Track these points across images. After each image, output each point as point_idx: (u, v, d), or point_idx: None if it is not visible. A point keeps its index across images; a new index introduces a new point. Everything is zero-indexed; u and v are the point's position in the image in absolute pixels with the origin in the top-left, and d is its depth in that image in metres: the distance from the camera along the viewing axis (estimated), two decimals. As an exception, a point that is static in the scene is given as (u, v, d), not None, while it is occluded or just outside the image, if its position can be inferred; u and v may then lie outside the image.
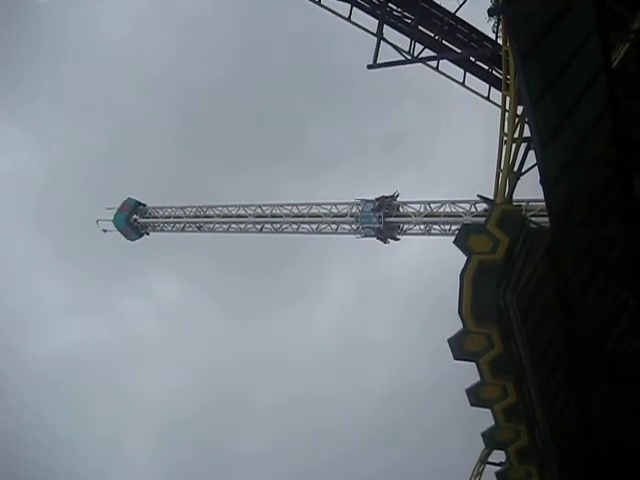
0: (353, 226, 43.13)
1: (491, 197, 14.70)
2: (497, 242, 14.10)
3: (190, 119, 68.64)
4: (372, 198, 43.10)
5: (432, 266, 52.44)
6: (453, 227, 39.06)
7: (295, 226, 44.97)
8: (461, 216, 38.22)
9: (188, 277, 68.93)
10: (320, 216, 43.93)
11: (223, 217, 48.50)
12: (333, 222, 43.84)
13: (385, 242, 43.23)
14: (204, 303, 68.35)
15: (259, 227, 46.94)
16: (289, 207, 45.25)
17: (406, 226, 42.21)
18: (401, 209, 41.86)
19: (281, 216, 45.42)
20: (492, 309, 14.04)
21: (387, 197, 43.13)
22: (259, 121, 66.28)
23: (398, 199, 42.91)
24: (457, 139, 60.39)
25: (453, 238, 14.30)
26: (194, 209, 50.06)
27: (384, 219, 42.26)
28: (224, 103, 67.75)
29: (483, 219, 14.62)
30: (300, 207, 45.30)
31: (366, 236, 42.21)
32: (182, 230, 51.01)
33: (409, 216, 41.09)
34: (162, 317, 70.81)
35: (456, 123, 59.11)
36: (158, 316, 70.77)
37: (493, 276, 14.05)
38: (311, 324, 66.75)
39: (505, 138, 14.84)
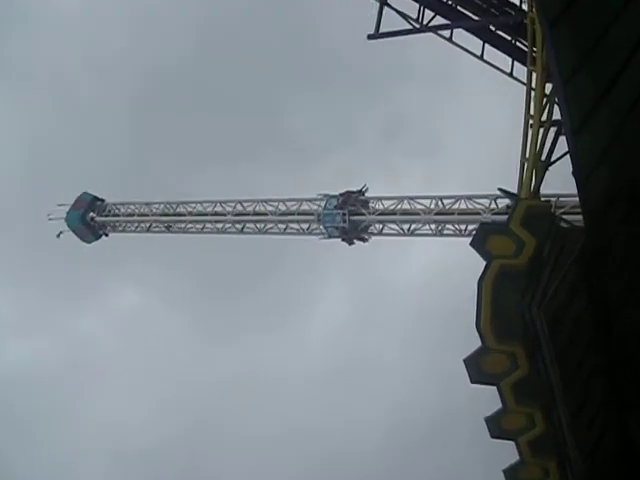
0: (318, 225, 43.27)
1: (514, 191, 14.67)
2: (521, 244, 14.24)
3: (149, 105, 68.59)
4: (335, 193, 43.34)
5: (445, 273, 52.49)
6: (470, 227, 39.04)
7: (282, 226, 44.93)
8: (479, 213, 38.14)
9: (153, 287, 68.78)
10: (312, 214, 43.89)
11: (197, 215, 48.29)
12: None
13: (350, 244, 43.48)
14: (172, 318, 68.20)
15: (240, 227, 46.80)
16: (275, 203, 45.20)
17: (414, 225, 42.09)
18: (371, 205, 42.85)
19: (266, 214, 45.31)
20: (516, 323, 14.19)
21: (353, 192, 43.49)
22: (230, 107, 66.22)
23: (367, 194, 43.13)
24: (473, 124, 60.31)
25: (469, 240, 14.31)
26: (162, 206, 49.86)
27: (349, 217, 42.51)
28: (188, 87, 67.93)
29: (505, 217, 14.75)
30: (289, 203, 45.29)
31: (330, 237, 42.15)
32: (148, 230, 50.82)
33: (390, 214, 41.18)
34: (121, 333, 70.59)
35: (471, 105, 59.04)
36: (116, 332, 70.58)
37: (517, 284, 14.22)
38: (302, 342, 66.59)
39: (531, 122, 14.91)
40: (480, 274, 14.20)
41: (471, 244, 14.43)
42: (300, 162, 66.58)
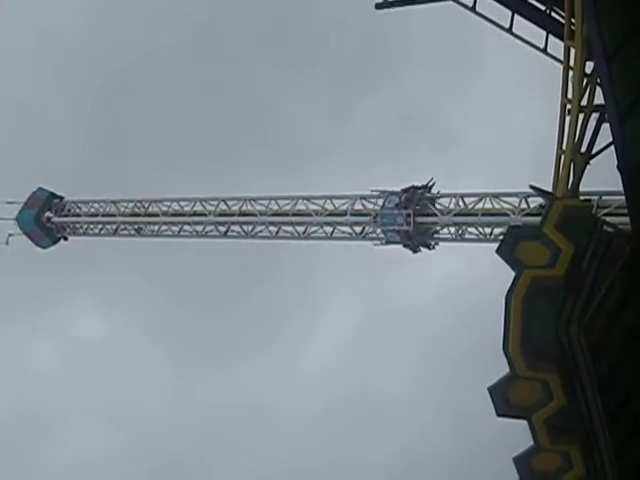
0: (373, 229, 42.02)
1: (549, 188, 14.62)
2: (557, 252, 14.25)
3: (117, 98, 68.36)
4: (396, 189, 42.00)
5: (468, 286, 52.27)
6: (496, 231, 38.77)
7: (274, 228, 44.53)
8: (507, 214, 37.75)
9: (119, 305, 68.36)
10: (310, 214, 43.42)
11: (172, 216, 47.97)
12: (327, 223, 43.11)
13: (415, 251, 41.21)
14: (144, 346, 67.68)
15: (223, 230, 46.55)
16: (265, 202, 44.81)
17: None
18: (437, 205, 40.70)
19: (254, 214, 44.92)
20: (550, 345, 14.19)
21: (418, 187, 41.96)
22: (210, 100, 65.95)
23: (433, 190, 41.92)
24: (498, 111, 60.19)
25: (496, 246, 14.27)
26: (131, 204, 49.52)
27: (414, 219, 40.84)
28: (160, 79, 67.56)
29: (538, 219, 14.90)
30: (281, 202, 44.87)
31: (389, 242, 41.17)
32: (114, 233, 50.58)
33: (469, 214, 39.51)
34: (82, 364, 69.83)
35: (496, 88, 58.91)
36: (77, 363, 69.80)
37: (552, 299, 14.26)
38: (297, 367, 66.26)
39: (569, 106, 14.84)
40: (509, 287, 14.22)
41: (498, 252, 14.46)
42: (295, 160, 65.91)
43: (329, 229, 43.00)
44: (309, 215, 43.33)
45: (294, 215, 43.71)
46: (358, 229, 42.54)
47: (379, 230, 41.71)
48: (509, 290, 14.16)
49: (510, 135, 56.77)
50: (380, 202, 41.60)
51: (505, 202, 38.33)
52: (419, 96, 64.55)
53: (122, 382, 65.58)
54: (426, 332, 57.67)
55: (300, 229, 44.28)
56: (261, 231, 45.26)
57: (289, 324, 66.51)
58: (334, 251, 47.72)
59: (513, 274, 14.20)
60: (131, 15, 66.99)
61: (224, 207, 46.19)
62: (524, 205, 37.17)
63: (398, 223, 40.68)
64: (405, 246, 41.53)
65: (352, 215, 41.65)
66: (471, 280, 48.60)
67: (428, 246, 41.52)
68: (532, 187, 16.81)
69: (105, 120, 67.25)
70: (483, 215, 39.39)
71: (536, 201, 34.88)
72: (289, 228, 44.72)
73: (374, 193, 42.27)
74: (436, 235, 41.31)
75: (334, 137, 67.69)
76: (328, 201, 43.23)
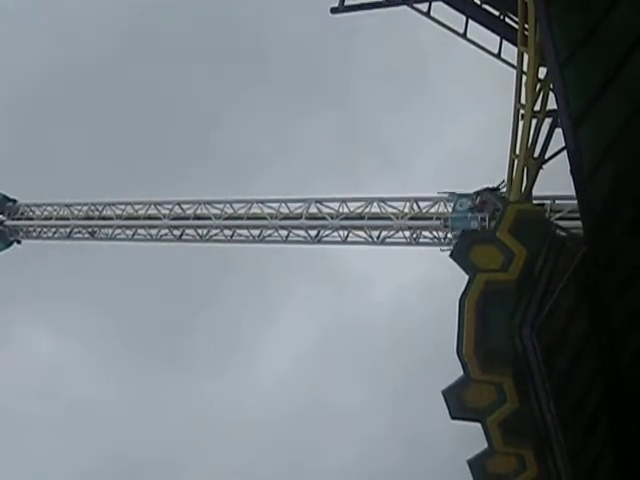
0: (445, 234, 39.90)
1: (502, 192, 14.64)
2: (511, 255, 14.22)
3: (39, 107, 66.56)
4: (468, 191, 39.97)
5: (430, 292, 51.60)
6: (450, 234, 38.56)
7: (228, 232, 44.04)
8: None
9: (66, 320, 66.28)
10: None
11: (126, 219, 47.70)
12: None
13: None
14: (86, 358, 65.63)
15: (177, 233, 46.22)
16: (220, 206, 44.31)
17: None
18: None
19: (209, 217, 44.53)
20: (504, 348, 14.18)
21: (493, 189, 39.96)
22: (146, 114, 64.52)
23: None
24: (450, 117, 59.67)
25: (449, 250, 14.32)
26: (85, 207, 49.11)
27: (489, 223, 39.00)
28: (90, 90, 66.31)
29: (492, 224, 14.73)
30: (236, 206, 44.33)
31: None
32: (68, 237, 50.04)
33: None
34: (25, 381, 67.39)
35: (449, 94, 58.42)
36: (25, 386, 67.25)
37: (505, 303, 14.23)
38: (250, 382, 64.88)
39: (522, 111, 14.86)
40: (462, 291, 14.18)
41: (452, 256, 14.51)
42: (233, 176, 63.66)
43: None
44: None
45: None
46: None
47: (450, 235, 39.37)
48: (463, 293, 14.12)
49: (465, 141, 56.23)
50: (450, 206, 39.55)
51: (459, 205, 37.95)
52: (365, 105, 63.41)
53: (65, 400, 63.49)
54: (384, 342, 57.19)
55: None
56: (217, 235, 44.66)
57: (244, 335, 65.46)
58: (289, 258, 46.92)
59: (467, 278, 14.17)
60: (66, 19, 65.54)
61: (179, 210, 45.67)
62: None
63: (472, 228, 38.75)
64: None
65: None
66: (435, 285, 47.94)
67: None
68: (487, 189, 16.89)
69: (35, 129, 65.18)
70: (438, 219, 38.93)
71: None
72: (244, 232, 43.98)
73: (443, 195, 39.97)
74: None
75: (274, 150, 66.01)
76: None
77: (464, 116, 55.29)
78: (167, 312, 61.06)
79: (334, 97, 61.17)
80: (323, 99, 60.90)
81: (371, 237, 40.37)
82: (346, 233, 40.26)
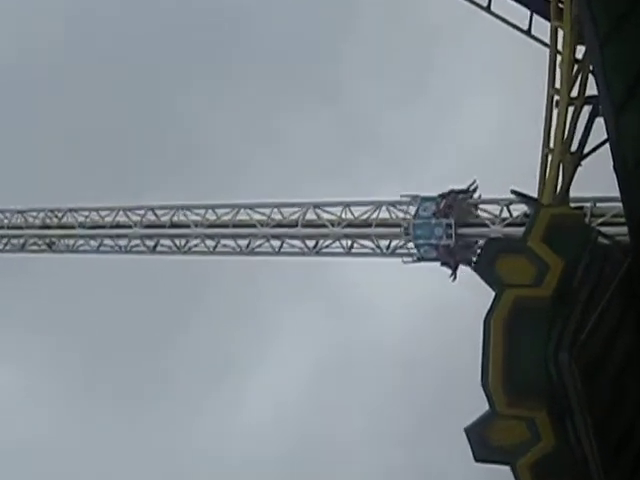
0: (404, 242, 36.83)
1: (534, 194, 13.12)
2: (544, 268, 12.91)
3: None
4: (431, 194, 36.55)
5: (441, 312, 48.89)
6: (411, 243, 36.05)
7: (211, 242, 40.08)
8: (486, 225, 34.83)
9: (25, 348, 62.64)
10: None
11: (90, 228, 44.53)
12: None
13: (454, 270, 35.50)
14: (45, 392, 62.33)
15: (151, 244, 42.57)
16: (201, 212, 40.83)
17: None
18: (479, 212, 35.43)
19: (187, 225, 40.86)
20: (537, 377, 12.86)
21: (458, 192, 36.75)
22: (123, 114, 62.63)
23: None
24: (469, 103, 56.84)
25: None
26: (42, 214, 46.10)
27: (455, 230, 35.99)
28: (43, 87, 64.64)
29: (521, 230, 14.05)
30: (219, 212, 40.52)
31: (422, 259, 35.79)
32: (22, 249, 47.31)
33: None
34: None
35: (469, 76, 55.71)
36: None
37: (539, 323, 12.88)
38: (237, 414, 61.00)
39: (557, 97, 13.66)
40: (488, 309, 12.85)
41: (475, 268, 13.93)
42: (217, 179, 59.87)
43: (345, 243, 38.10)
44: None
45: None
46: (384, 243, 37.39)
47: (410, 244, 36.62)
48: (488, 313, 12.85)
49: (486, 134, 53.42)
50: (412, 210, 36.46)
51: (485, 211, 35.06)
52: (364, 100, 60.51)
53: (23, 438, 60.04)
54: (390, 372, 54.01)
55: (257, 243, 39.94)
56: (197, 246, 41.32)
57: (228, 366, 60.96)
58: (279, 272, 43.93)
59: (493, 294, 12.90)
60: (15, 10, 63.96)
61: (152, 217, 41.81)
62: (506, 214, 33.89)
63: (436, 235, 35.93)
64: (444, 264, 35.86)
65: (377, 226, 36.66)
66: (446, 304, 45.09)
67: (470, 263, 34.42)
68: (514, 192, 15.47)
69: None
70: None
71: (519, 209, 31.96)
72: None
73: (404, 199, 37.25)
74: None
75: (248, 143, 62.98)
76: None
77: (478, 105, 52.98)
78: (141, 336, 57.84)
79: (329, 92, 59.22)
80: (317, 94, 59.04)
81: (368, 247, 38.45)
82: (350, 243, 37.80)
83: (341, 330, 56.88)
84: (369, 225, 36.92)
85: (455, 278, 35.38)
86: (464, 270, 34.19)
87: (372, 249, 37.09)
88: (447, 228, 34.00)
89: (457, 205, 34.31)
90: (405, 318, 52.33)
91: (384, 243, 37.07)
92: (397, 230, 36.08)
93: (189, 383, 58.32)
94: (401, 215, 36.45)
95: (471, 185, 35.00)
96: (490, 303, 12.91)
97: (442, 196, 34.90)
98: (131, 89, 61.62)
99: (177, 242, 40.32)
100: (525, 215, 28.02)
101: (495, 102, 50.52)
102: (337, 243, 37.47)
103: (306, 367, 57.30)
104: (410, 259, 36.46)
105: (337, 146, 57.69)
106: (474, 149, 50.98)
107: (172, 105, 61.85)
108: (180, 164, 60.22)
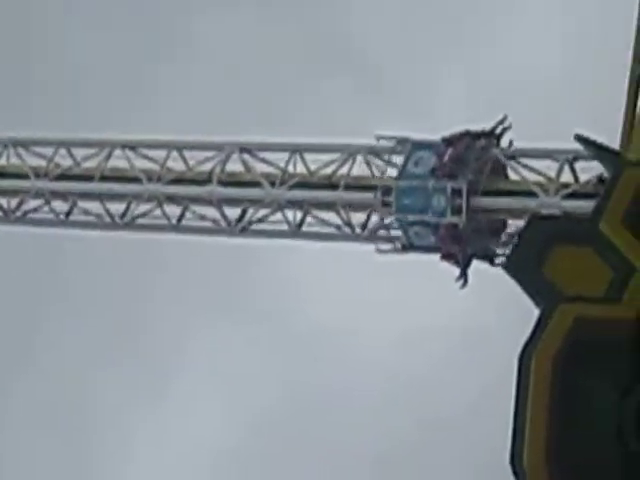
0: (381, 219, 19.10)
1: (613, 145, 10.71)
2: (627, 269, 9.23)
3: None
4: (433, 137, 19.00)
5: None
6: (389, 219, 17.21)
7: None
8: (525, 194, 17.63)
9: None
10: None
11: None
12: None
13: (463, 269, 21.11)
14: None
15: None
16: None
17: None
18: (513, 172, 21.29)
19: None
20: (606, 454, 9.12)
21: (476, 134, 19.19)
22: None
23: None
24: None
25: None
26: None
27: (469, 201, 18.96)
28: None
29: (589, 206, 10.61)
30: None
31: (409, 248, 21.80)
32: None
33: None
34: None
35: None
36: None
37: (613, 364, 9.22)
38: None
39: None
40: (526, 339, 8.89)
41: (507, 268, 10.11)
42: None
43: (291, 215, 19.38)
44: (255, 184, 19.95)
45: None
46: (359, 218, 19.51)
47: (392, 220, 19.69)
48: (526, 345, 8.80)
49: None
50: (399, 161, 20.23)
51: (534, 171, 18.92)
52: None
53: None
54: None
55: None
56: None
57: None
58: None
59: (535, 313, 8.98)
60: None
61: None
62: (564, 177, 18.37)
63: (435, 209, 19.43)
64: (445, 257, 21.87)
65: (347, 188, 19.23)
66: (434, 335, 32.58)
67: (492, 260, 21.66)
68: (579, 139, 10.58)
69: None
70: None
71: (587, 169, 19.25)
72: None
73: (383, 143, 22.39)
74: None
75: None
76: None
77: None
78: None
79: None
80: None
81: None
82: (300, 216, 19.60)
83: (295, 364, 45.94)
84: (333, 186, 19.78)
85: (466, 283, 21.38)
86: (480, 270, 19.45)
87: (337, 228, 20.31)
88: (454, 197, 18.51)
89: (473, 158, 18.76)
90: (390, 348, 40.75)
91: (359, 219, 20.55)
92: (368, 196, 19.84)
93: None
94: (377, 172, 20.53)
95: (500, 123, 19.31)
96: (531, 329, 8.97)
97: (448, 141, 18.83)
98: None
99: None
100: (599, 180, 18.06)
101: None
102: (278, 215, 20.44)
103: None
104: (389, 247, 22.54)
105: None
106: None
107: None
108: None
